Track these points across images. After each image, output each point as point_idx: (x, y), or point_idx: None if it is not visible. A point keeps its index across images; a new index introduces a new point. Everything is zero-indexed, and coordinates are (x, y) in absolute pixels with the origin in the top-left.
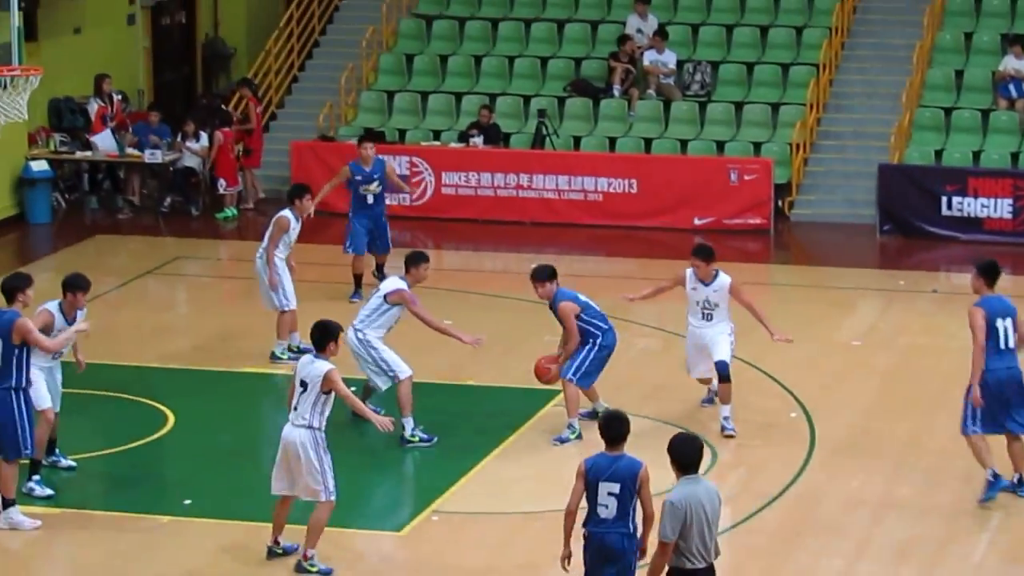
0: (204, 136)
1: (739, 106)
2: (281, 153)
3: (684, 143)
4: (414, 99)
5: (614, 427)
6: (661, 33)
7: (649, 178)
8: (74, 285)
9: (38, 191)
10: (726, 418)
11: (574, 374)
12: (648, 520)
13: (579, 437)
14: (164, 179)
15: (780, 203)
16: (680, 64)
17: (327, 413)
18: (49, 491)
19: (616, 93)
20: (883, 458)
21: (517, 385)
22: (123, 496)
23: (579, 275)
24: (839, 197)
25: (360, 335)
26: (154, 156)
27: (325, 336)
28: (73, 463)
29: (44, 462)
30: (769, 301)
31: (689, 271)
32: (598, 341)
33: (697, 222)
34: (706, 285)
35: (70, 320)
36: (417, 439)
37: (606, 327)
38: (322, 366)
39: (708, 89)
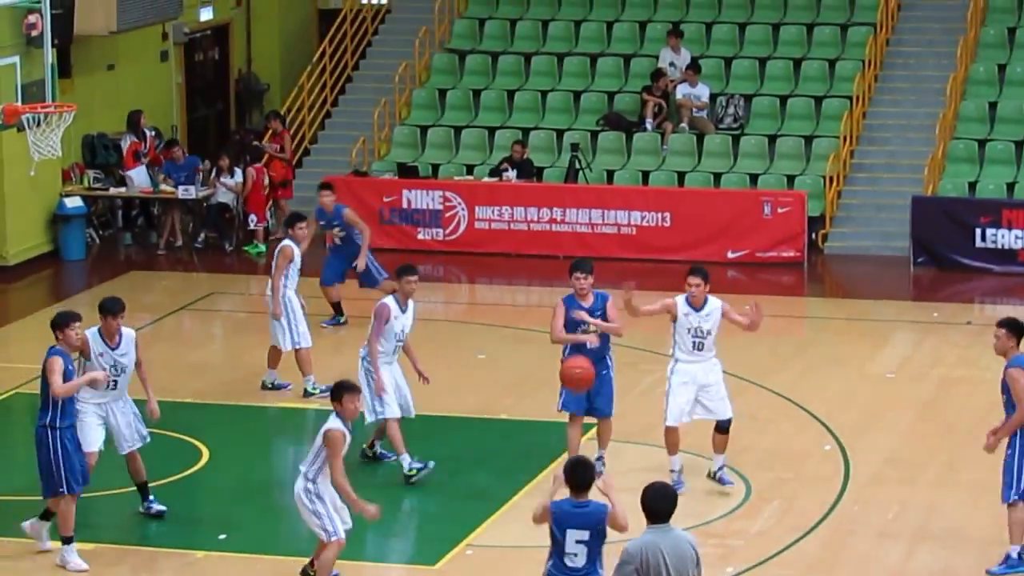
0: (238, 172)
1: (772, 139)
2: (314, 188)
3: (717, 176)
4: (447, 133)
5: (580, 473)
6: (694, 67)
7: (682, 211)
8: (103, 308)
9: (72, 227)
10: (722, 467)
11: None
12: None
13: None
14: (198, 215)
15: (814, 236)
16: (713, 97)
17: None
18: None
19: (649, 127)
20: (918, 490)
21: (550, 419)
22: (158, 531)
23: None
24: (873, 229)
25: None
26: (188, 192)
27: (337, 390)
28: (163, 508)
29: (140, 509)
30: (803, 334)
31: (681, 298)
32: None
33: (731, 255)
34: (697, 311)
35: (112, 346)
36: (415, 472)
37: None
38: (329, 423)
39: (741, 122)
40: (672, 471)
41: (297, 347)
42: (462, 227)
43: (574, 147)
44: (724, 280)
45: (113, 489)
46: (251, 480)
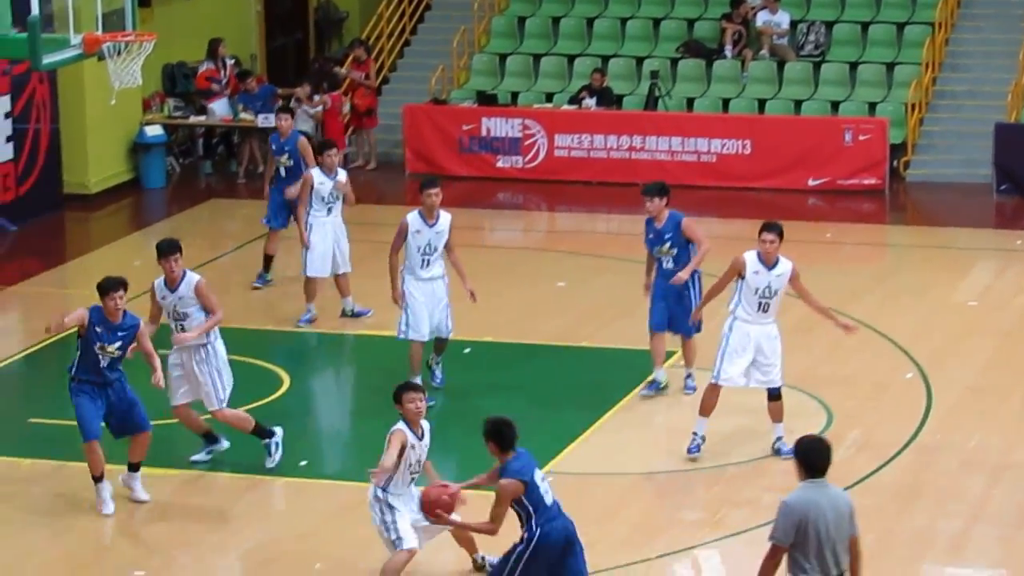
0: (317, 99)
1: (853, 66)
2: (393, 117)
3: (798, 104)
4: (526, 62)
5: (508, 433)
6: None
7: (763, 139)
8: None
9: (153, 156)
10: (780, 437)
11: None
12: None
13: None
14: None
15: (895, 163)
16: (794, 25)
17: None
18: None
19: (729, 54)
20: (1000, 419)
21: (631, 347)
22: (239, 458)
23: None
24: (955, 157)
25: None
26: (267, 120)
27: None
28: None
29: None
30: (884, 262)
31: (752, 254)
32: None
33: (811, 183)
34: (769, 269)
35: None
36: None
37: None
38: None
39: (822, 49)
40: (696, 434)
41: (307, 273)
42: (541, 155)
43: (653, 75)
44: (804, 208)
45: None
46: (331, 407)
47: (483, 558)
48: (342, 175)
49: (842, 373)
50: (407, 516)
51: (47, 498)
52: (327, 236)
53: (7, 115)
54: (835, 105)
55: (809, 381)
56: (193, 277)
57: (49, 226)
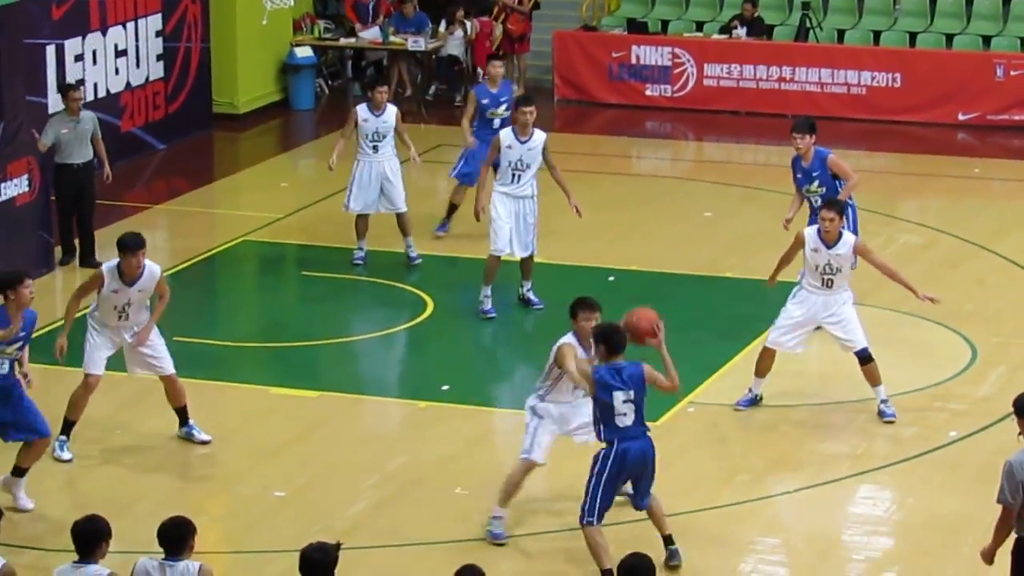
0: (468, 24)
1: (1007, 0)
2: (544, 43)
3: (949, 37)
4: None
5: (617, 339)
6: None
7: (913, 72)
8: (120, 245)
9: (302, 77)
10: (884, 401)
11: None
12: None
13: None
14: (427, 67)
15: None
16: None
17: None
18: (69, 455)
19: None
20: None
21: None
22: (383, 381)
23: None
24: None
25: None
26: (417, 44)
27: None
28: (208, 438)
29: (178, 433)
30: None
31: (812, 231)
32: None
33: (962, 117)
34: (829, 248)
35: (128, 282)
36: (484, 314)
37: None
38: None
39: None
40: (751, 390)
41: (346, 209)
42: (690, 84)
43: (805, 6)
44: (954, 142)
45: (337, 338)
46: (473, 333)
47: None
48: (390, 114)
49: (988, 309)
50: (550, 429)
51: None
52: (372, 174)
53: (158, 33)
54: (987, 40)
55: (954, 317)
56: (155, 268)
57: (198, 145)
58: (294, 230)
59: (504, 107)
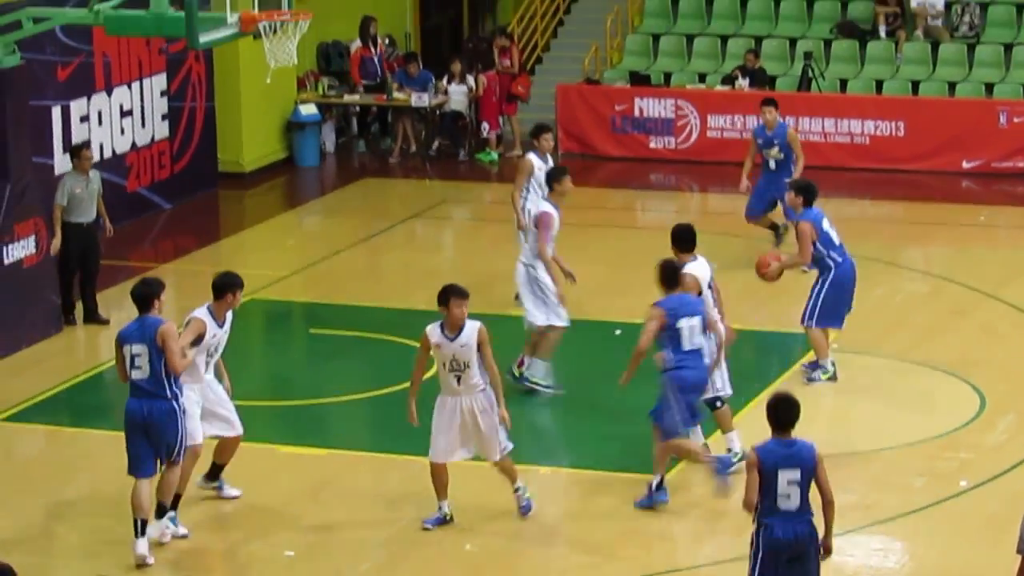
0: (471, 79)
1: (1008, 48)
2: (547, 96)
3: (952, 85)
4: (680, 42)
5: (784, 412)
6: None
7: (917, 121)
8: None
9: (307, 134)
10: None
11: (810, 319)
12: (830, 506)
13: (833, 378)
14: (431, 122)
15: None
16: (948, 6)
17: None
18: (184, 530)
19: (882, 35)
20: None
21: (782, 330)
22: (391, 438)
23: (847, 219)
24: None
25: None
26: (421, 100)
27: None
28: (238, 493)
29: (202, 484)
30: None
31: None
32: (828, 277)
33: (966, 165)
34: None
35: (220, 323)
36: (538, 387)
37: (840, 260)
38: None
39: (977, 31)
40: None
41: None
42: (694, 136)
43: (807, 56)
44: (959, 190)
45: (342, 396)
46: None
47: None
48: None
49: (996, 358)
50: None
51: None
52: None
53: (163, 93)
54: (989, 87)
55: (961, 366)
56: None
57: (203, 204)
58: (301, 287)
59: (776, 148)
